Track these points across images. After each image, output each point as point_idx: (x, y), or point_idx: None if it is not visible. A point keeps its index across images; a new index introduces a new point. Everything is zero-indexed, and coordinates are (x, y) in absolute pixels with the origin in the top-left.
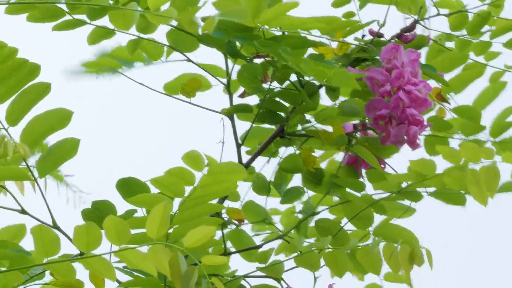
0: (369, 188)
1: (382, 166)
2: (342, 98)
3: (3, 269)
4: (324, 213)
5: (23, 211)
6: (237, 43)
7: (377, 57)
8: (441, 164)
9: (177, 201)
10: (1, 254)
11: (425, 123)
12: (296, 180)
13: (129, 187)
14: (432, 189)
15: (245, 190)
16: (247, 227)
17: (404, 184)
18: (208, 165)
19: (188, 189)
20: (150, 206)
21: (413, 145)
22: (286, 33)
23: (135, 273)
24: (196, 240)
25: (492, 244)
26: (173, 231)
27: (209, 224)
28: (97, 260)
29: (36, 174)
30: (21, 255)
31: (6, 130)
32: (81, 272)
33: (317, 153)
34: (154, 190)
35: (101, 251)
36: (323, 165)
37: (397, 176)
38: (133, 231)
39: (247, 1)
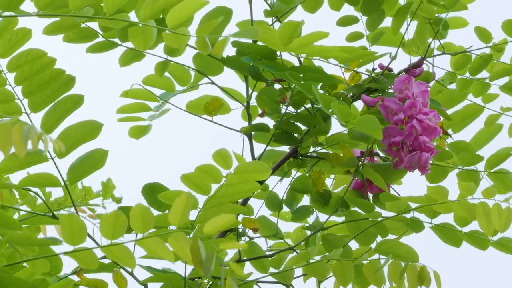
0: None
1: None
2: None
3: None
4: (331, 229)
5: (53, 217)
6: None
7: (387, 88)
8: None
9: (202, 200)
10: (32, 240)
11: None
12: (307, 199)
13: (154, 192)
14: (435, 221)
15: (258, 206)
16: (259, 241)
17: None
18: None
19: (214, 188)
20: None
21: (424, 170)
22: (302, 57)
23: (156, 271)
24: (215, 227)
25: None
26: (197, 229)
27: (229, 226)
28: (119, 249)
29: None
30: (47, 248)
31: None
32: (105, 274)
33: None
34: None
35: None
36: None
37: (410, 198)
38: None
39: (284, 27)
